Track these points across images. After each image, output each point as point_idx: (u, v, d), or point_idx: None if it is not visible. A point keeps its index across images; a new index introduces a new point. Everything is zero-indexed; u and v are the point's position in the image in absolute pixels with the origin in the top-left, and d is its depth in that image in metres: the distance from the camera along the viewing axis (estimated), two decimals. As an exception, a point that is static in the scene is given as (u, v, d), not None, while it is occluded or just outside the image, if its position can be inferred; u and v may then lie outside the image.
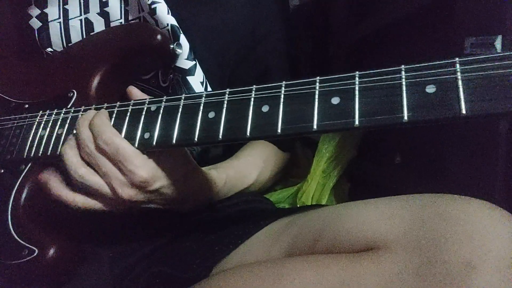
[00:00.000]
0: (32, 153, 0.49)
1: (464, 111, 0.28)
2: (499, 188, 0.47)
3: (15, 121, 0.54)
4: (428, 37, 0.63)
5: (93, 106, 0.47)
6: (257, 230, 0.47)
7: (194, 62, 0.56)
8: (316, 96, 0.33)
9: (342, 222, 0.38)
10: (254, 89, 0.37)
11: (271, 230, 0.47)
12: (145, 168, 0.41)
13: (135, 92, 0.48)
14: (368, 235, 0.35)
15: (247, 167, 0.59)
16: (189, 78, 0.56)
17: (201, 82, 0.57)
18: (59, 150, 0.46)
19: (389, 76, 0.31)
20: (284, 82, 0.36)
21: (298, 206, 0.72)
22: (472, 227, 0.31)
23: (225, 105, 0.37)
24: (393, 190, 0.40)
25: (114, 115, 0.44)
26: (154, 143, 0.40)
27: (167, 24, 0.55)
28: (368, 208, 0.37)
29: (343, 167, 0.74)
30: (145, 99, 0.44)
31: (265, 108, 0.35)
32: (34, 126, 0.51)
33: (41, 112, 0.52)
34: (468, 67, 0.29)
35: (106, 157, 0.42)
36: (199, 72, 0.57)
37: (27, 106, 0.56)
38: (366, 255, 0.34)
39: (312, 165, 0.74)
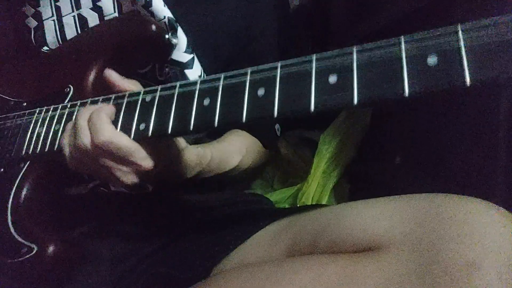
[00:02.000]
0: (31, 151, 0.49)
1: (468, 81, 0.26)
2: (499, 188, 0.47)
3: (14, 120, 0.54)
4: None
5: (89, 100, 0.47)
6: (257, 230, 0.47)
7: (192, 55, 0.56)
8: (313, 75, 0.32)
9: (342, 222, 0.38)
10: (249, 72, 0.36)
11: (271, 230, 0.46)
12: (148, 158, 0.42)
13: (114, 76, 0.46)
14: (368, 235, 0.35)
15: (230, 151, 0.59)
16: (187, 71, 0.56)
17: (199, 76, 0.57)
18: (57, 144, 0.45)
19: (388, 49, 0.30)
20: (279, 62, 0.34)
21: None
22: (473, 226, 0.31)
23: (220, 91, 0.36)
24: (394, 190, 0.40)
25: None
26: (150, 134, 0.40)
27: (164, 17, 0.55)
28: (368, 208, 0.37)
29: (343, 167, 0.74)
30: (138, 91, 0.43)
31: (260, 92, 0.34)
32: (32, 124, 0.51)
33: (38, 109, 0.52)
34: (472, 34, 0.27)
35: (106, 153, 0.41)
36: (197, 65, 0.57)
37: (25, 104, 0.56)
38: (366, 255, 0.34)
39: (313, 165, 0.74)
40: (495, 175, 0.49)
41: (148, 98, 0.42)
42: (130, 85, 0.45)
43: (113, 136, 0.41)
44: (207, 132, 0.66)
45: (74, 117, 0.44)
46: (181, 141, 0.47)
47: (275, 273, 0.36)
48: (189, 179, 0.52)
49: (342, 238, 0.37)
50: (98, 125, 0.41)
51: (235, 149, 0.60)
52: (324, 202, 0.72)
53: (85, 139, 0.41)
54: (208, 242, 0.50)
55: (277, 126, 0.69)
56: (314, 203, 0.72)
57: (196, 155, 0.50)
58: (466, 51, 0.27)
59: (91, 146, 0.41)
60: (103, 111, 0.43)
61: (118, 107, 0.43)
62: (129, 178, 0.42)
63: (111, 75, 0.47)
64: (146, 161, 0.41)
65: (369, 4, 0.77)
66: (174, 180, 0.50)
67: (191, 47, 0.56)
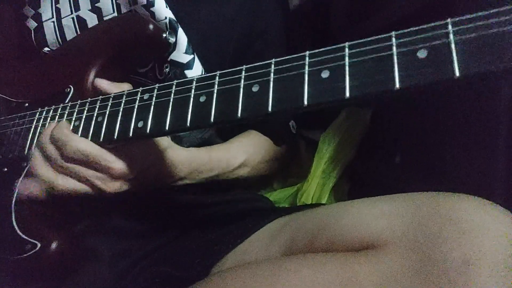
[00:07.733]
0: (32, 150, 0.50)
1: (457, 74, 0.27)
2: (499, 187, 0.47)
3: (16, 120, 0.55)
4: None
5: (89, 100, 0.47)
6: (256, 229, 0.47)
7: (192, 56, 0.57)
8: (306, 71, 0.33)
9: (340, 220, 0.38)
10: (244, 69, 0.37)
11: (270, 229, 0.47)
12: (119, 161, 0.44)
13: (104, 83, 0.49)
14: (366, 233, 0.35)
15: (233, 151, 0.60)
16: (187, 72, 0.56)
17: None
18: (29, 167, 0.46)
19: (380, 45, 0.30)
20: (273, 60, 0.35)
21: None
22: (469, 224, 0.31)
23: (215, 88, 0.37)
24: (393, 190, 0.40)
25: (108, 107, 0.45)
26: (148, 131, 0.40)
27: (165, 17, 0.55)
28: (366, 207, 0.38)
29: (343, 167, 0.74)
30: (136, 90, 0.45)
31: (255, 88, 0.35)
32: (34, 124, 0.52)
33: (39, 109, 0.53)
34: (461, 27, 0.27)
35: (79, 163, 0.43)
36: (197, 65, 0.57)
37: (27, 105, 0.56)
38: (364, 254, 0.34)
39: (312, 165, 0.74)
40: (495, 175, 0.49)
41: (146, 96, 0.42)
42: (122, 89, 0.47)
43: (77, 142, 0.42)
44: (218, 133, 0.67)
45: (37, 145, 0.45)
46: (163, 141, 0.48)
47: (273, 272, 0.36)
48: (184, 178, 0.52)
49: (340, 236, 0.37)
50: (62, 138, 0.43)
51: (239, 150, 0.60)
52: (323, 202, 0.71)
53: (56, 156, 0.43)
54: (207, 241, 0.51)
55: (291, 123, 0.69)
56: (313, 202, 0.72)
57: (183, 155, 0.51)
58: (455, 44, 0.27)
59: (62, 160, 0.43)
60: (63, 125, 0.44)
61: (117, 106, 0.44)
62: (110, 185, 0.44)
63: (102, 83, 0.49)
64: (117, 164, 0.43)
65: (369, 5, 0.77)
66: (161, 182, 0.51)
67: (192, 48, 0.56)
